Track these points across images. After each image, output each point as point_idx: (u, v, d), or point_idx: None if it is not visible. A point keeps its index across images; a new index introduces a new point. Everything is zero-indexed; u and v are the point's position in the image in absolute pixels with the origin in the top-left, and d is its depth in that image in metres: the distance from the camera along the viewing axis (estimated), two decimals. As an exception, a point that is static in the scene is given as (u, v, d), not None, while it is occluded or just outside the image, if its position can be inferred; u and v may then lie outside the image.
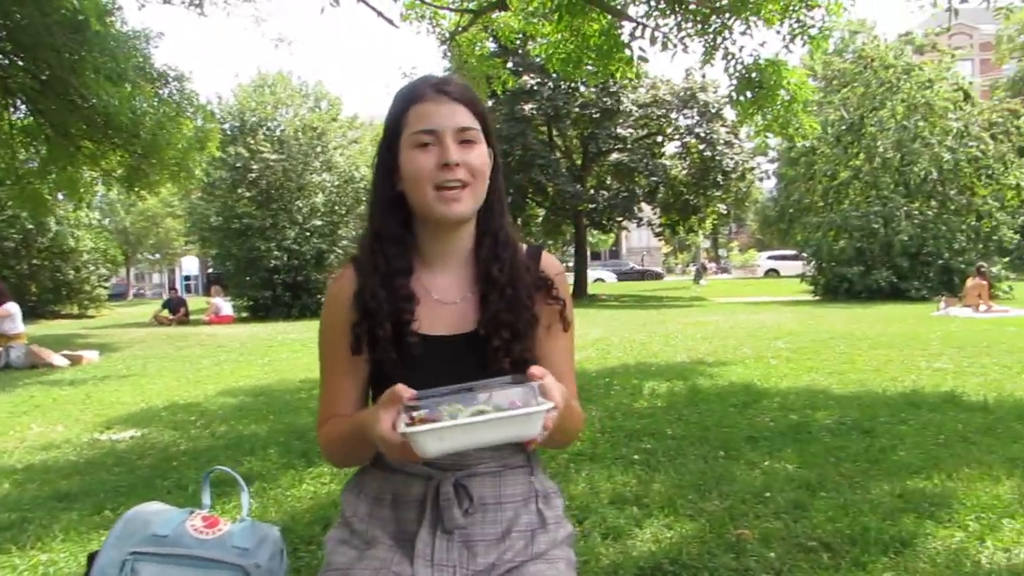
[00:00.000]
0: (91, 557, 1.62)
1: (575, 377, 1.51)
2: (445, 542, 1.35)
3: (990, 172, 20.08)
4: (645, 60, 8.17)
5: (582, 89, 23.18)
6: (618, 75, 8.49)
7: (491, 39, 14.32)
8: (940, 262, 19.10)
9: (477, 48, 9.73)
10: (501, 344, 1.37)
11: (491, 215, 1.44)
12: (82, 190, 12.69)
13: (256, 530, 1.68)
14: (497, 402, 1.16)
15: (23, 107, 11.53)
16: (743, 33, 7.74)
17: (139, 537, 1.61)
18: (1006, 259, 20.08)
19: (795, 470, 3.56)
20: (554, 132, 25.60)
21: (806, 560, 2.53)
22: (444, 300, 1.43)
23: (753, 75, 7.88)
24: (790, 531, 2.78)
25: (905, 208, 19.73)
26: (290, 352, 10.16)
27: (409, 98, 1.36)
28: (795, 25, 7.66)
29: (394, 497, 1.41)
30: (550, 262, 1.50)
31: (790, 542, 2.68)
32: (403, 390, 1.15)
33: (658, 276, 46.38)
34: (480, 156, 1.35)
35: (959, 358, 7.20)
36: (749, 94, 8.04)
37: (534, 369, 1.20)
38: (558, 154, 25.62)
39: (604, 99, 23.68)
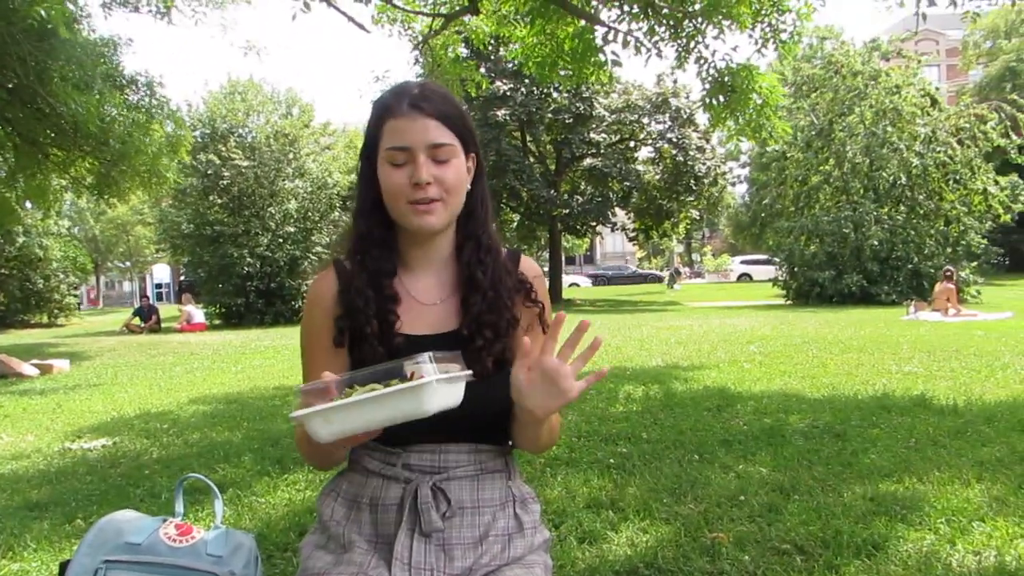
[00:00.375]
0: (63, 566, 1.60)
1: None
2: (423, 545, 1.35)
3: (958, 177, 20.40)
4: (618, 64, 8.22)
5: (555, 95, 23.31)
6: (592, 79, 8.54)
7: (463, 44, 14.34)
8: (909, 266, 19.41)
9: (450, 51, 9.73)
10: (484, 344, 1.40)
11: (474, 220, 1.47)
12: (51, 198, 12.50)
13: (230, 538, 1.67)
14: (421, 375, 1.11)
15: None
16: (715, 38, 7.82)
17: (112, 545, 1.59)
18: (974, 263, 20.43)
19: (769, 473, 3.59)
20: (528, 137, 25.71)
21: (780, 563, 2.55)
22: (425, 301, 1.45)
23: (725, 79, 7.96)
24: (764, 534, 2.81)
25: (875, 213, 20.00)
26: (263, 359, 10.08)
27: (384, 112, 1.37)
28: (767, 29, 7.76)
29: (371, 500, 1.42)
30: (529, 265, 1.53)
31: (764, 545, 2.71)
32: (326, 375, 1.15)
33: (658, 279, 46.22)
34: (455, 171, 1.36)
35: (929, 362, 7.31)
36: (722, 98, 8.12)
37: (526, 339, 1.26)
38: (532, 159, 25.72)
39: (577, 104, 23.83)
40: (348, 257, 1.46)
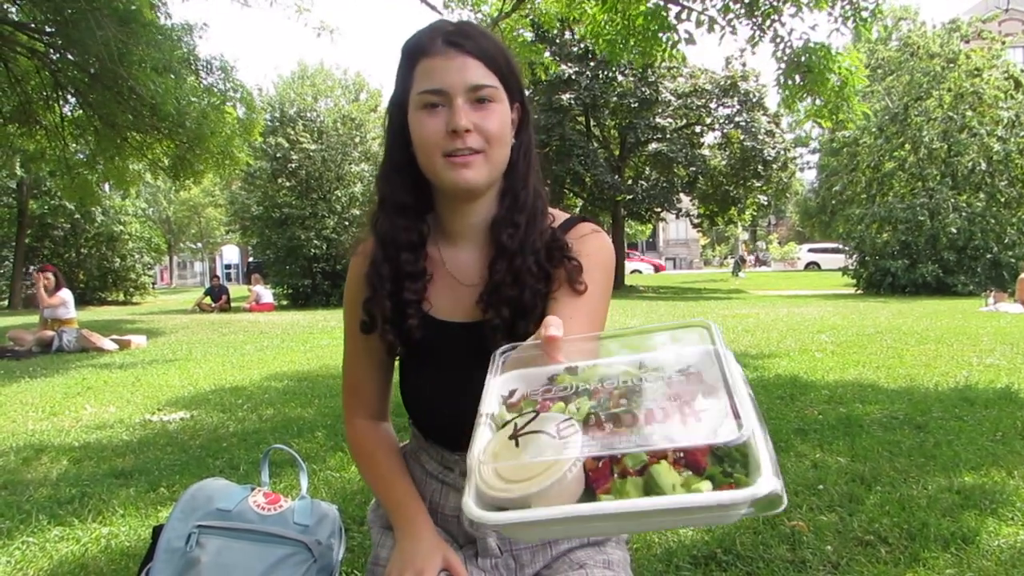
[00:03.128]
0: (156, 530, 1.65)
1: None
2: (488, 562, 1.30)
3: (1044, 163, 19.55)
4: (692, 42, 8.05)
5: (620, 78, 23.04)
6: (661, 60, 8.38)
7: (529, 27, 14.19)
8: (988, 256, 18.68)
9: (516, 35, 9.71)
10: (500, 323, 1.19)
11: (514, 175, 1.24)
12: (129, 180, 12.93)
13: (315, 508, 1.70)
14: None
15: (73, 100, 11.78)
16: (793, 15, 7.62)
17: (203, 511, 1.63)
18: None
19: (847, 463, 3.50)
20: (592, 122, 25.49)
21: (863, 554, 2.48)
22: (464, 281, 1.27)
23: (802, 59, 7.74)
24: (845, 524, 2.73)
25: (952, 200, 19.29)
26: (330, 339, 10.25)
27: (416, 51, 1.17)
28: (847, 7, 7.51)
29: (431, 504, 1.36)
30: (581, 228, 1.28)
31: (846, 535, 2.64)
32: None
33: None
34: (498, 118, 1.16)
35: (1012, 355, 7.01)
36: (798, 78, 7.90)
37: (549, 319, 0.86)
38: (596, 144, 25.50)
39: (642, 88, 23.51)
40: (376, 226, 1.27)
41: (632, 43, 7.97)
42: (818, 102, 7.94)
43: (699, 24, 7.46)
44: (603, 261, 1.24)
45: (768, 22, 7.58)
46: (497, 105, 1.16)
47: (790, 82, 7.79)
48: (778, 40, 7.64)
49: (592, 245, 1.24)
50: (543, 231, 1.23)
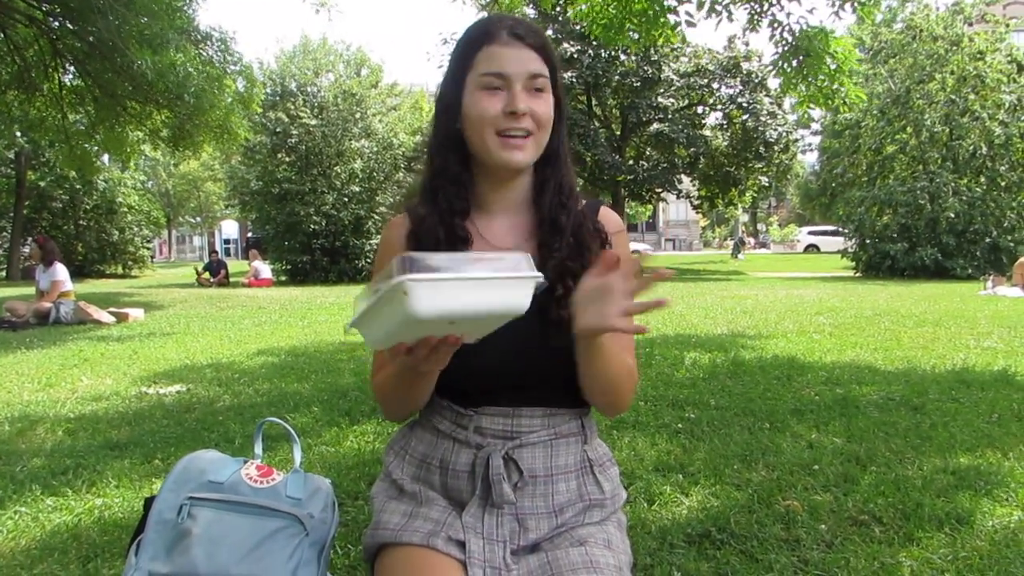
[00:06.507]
0: (148, 501, 1.64)
1: (633, 342, 1.44)
2: (495, 517, 1.32)
3: (1046, 148, 19.48)
4: (692, 24, 7.97)
5: (622, 58, 22.91)
6: (661, 41, 8.28)
7: (529, 4, 14.03)
8: (988, 240, 18.66)
9: (516, 13, 9.59)
10: (565, 292, 1.31)
11: (555, 163, 1.40)
12: (129, 150, 12.87)
13: (309, 481, 1.69)
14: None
15: (72, 69, 11.70)
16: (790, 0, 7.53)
17: (196, 483, 1.62)
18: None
19: (843, 444, 3.50)
20: (593, 101, 25.37)
21: (857, 534, 2.48)
22: (499, 246, 1.39)
23: (800, 43, 7.65)
24: (840, 504, 2.73)
25: (952, 184, 19.24)
26: (328, 315, 10.25)
27: (482, 37, 1.32)
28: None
29: (442, 463, 1.39)
30: (609, 218, 1.46)
31: (840, 515, 2.64)
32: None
33: None
34: (547, 105, 1.32)
35: (1009, 338, 7.02)
36: (794, 63, 7.81)
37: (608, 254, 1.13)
38: (597, 123, 25.40)
39: (645, 68, 23.38)
40: (421, 196, 1.41)
41: (629, 27, 7.83)
42: (812, 87, 7.81)
43: (700, 6, 7.36)
44: (628, 255, 1.44)
45: (766, 6, 7.49)
46: (547, 94, 1.33)
47: (786, 67, 7.70)
48: (775, 25, 7.56)
49: (624, 239, 1.46)
50: (586, 215, 1.42)
